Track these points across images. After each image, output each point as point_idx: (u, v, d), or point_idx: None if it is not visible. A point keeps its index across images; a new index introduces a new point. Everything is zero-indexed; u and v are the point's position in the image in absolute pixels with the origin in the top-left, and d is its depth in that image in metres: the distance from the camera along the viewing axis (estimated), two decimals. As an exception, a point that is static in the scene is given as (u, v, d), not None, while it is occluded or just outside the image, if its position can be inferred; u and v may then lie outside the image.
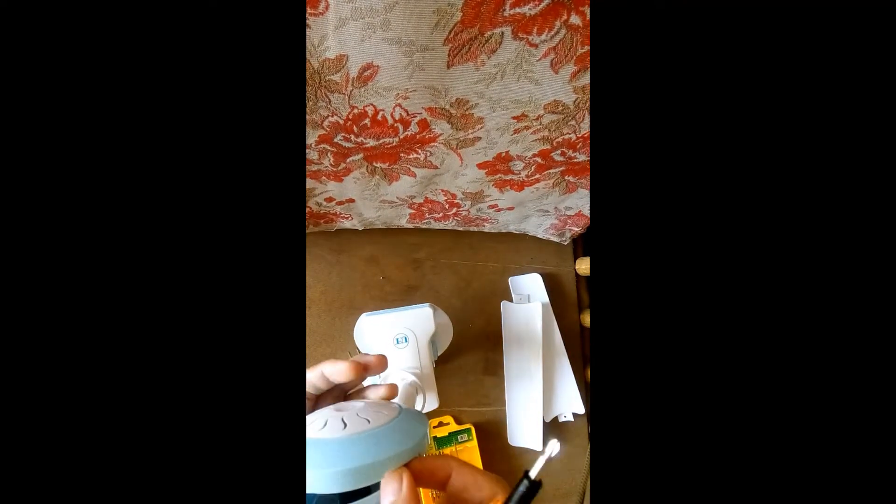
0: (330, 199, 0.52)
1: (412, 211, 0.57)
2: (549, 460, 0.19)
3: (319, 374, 0.28)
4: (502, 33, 0.28)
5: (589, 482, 0.49)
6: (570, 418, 0.59)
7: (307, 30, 0.27)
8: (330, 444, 0.21)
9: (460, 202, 0.53)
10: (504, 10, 0.26)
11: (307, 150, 0.40)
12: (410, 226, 0.62)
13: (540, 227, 0.63)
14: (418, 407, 0.41)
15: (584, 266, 0.64)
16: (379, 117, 0.35)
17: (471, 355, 0.60)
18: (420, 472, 0.22)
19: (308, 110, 0.34)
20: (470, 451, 0.55)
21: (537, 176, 0.46)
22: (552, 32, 0.28)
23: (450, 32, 0.28)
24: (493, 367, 0.60)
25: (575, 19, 0.27)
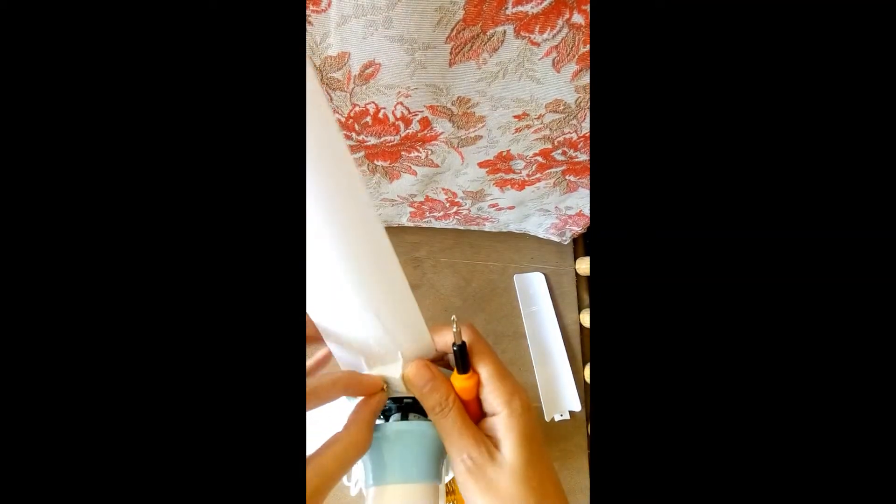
0: (331, 197, 0.52)
1: (413, 209, 0.57)
2: None
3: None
4: (504, 32, 0.28)
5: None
6: (567, 416, 0.59)
7: (309, 27, 0.27)
8: None
9: (461, 201, 0.53)
10: (506, 8, 0.26)
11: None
12: (411, 224, 0.62)
13: (540, 226, 0.63)
14: None
15: (584, 266, 0.64)
16: (380, 115, 0.35)
17: (470, 354, 0.60)
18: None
19: (309, 108, 0.34)
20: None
21: (538, 175, 0.46)
22: (554, 31, 0.28)
23: (452, 30, 0.28)
24: (492, 366, 0.60)
25: (577, 18, 0.27)
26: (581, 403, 0.59)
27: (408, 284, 0.24)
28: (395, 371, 0.26)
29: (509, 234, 0.66)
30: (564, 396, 0.59)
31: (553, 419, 0.58)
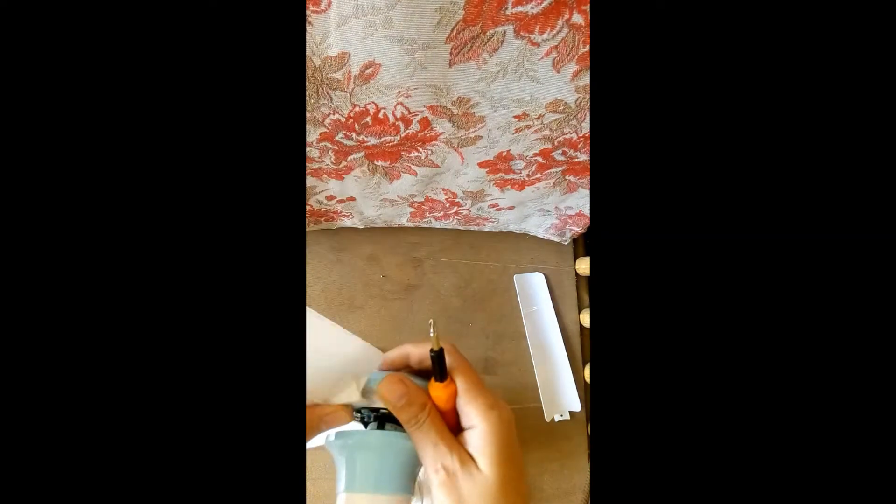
0: (331, 198, 0.52)
1: (413, 210, 0.57)
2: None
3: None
4: (504, 32, 0.28)
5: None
6: (567, 416, 0.59)
7: (309, 27, 0.27)
8: None
9: (461, 201, 0.53)
10: (506, 8, 0.26)
11: (308, 148, 0.40)
12: (411, 224, 0.62)
13: (540, 226, 0.63)
14: None
15: (584, 266, 0.64)
16: (380, 115, 0.35)
17: (471, 355, 0.60)
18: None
19: (309, 108, 0.34)
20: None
21: (538, 175, 0.46)
22: (554, 31, 0.28)
23: (452, 31, 0.28)
24: (493, 366, 0.60)
25: (577, 18, 0.27)
26: (581, 403, 0.59)
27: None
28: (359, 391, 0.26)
29: (509, 234, 0.66)
30: (564, 396, 0.59)
31: (553, 419, 0.58)
